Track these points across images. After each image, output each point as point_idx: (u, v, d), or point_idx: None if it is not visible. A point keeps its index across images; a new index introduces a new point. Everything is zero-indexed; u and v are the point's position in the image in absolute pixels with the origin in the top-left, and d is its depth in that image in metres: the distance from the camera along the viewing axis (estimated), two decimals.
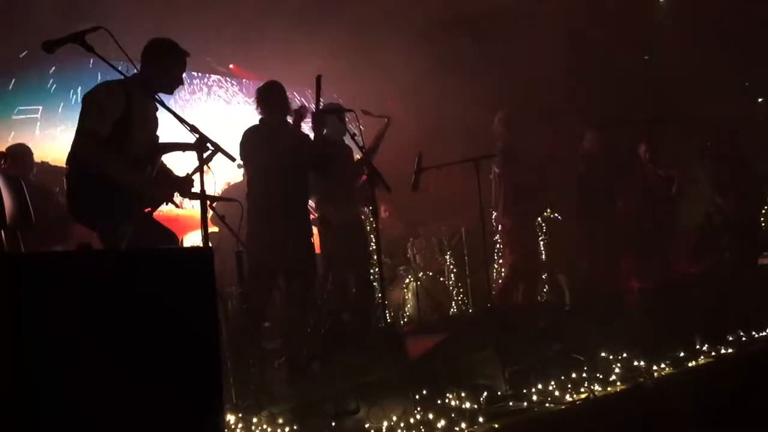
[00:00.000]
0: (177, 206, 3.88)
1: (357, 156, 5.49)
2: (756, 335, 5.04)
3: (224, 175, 7.05)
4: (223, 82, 8.77)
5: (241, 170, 7.06)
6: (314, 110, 4.66)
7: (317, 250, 5.25)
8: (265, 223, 4.46)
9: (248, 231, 4.43)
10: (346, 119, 4.99)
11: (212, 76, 8.64)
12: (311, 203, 5.44)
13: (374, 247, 5.09)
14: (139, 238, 3.46)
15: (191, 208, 7.10)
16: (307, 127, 4.97)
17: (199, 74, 8.47)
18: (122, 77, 3.49)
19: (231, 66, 8.69)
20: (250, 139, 4.62)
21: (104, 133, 3.51)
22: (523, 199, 6.09)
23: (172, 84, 3.84)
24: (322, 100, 4.70)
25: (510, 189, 6.09)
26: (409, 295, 7.27)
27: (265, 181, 4.51)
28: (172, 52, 3.81)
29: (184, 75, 3.90)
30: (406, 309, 7.30)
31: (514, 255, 6.24)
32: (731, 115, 8.04)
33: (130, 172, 3.57)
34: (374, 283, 5.41)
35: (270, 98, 4.68)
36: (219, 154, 3.40)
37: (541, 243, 7.49)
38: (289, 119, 4.78)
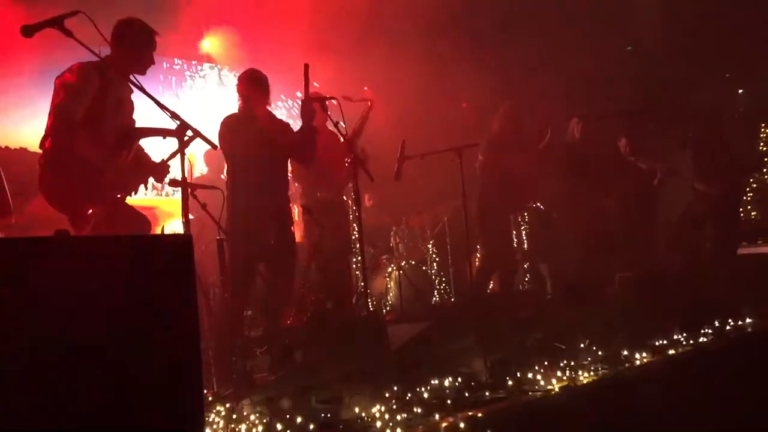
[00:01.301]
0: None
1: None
2: (733, 324, 5.10)
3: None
4: (202, 68, 8.67)
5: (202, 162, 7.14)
6: (302, 99, 4.62)
7: (298, 239, 5.25)
8: (247, 211, 4.43)
9: (229, 219, 4.40)
10: (328, 106, 4.96)
11: (195, 63, 8.55)
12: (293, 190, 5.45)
13: (357, 235, 5.09)
14: (108, 222, 3.42)
15: (172, 195, 7.10)
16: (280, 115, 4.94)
17: (182, 61, 8.39)
18: (97, 59, 3.45)
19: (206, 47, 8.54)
20: (231, 126, 4.57)
21: (76, 116, 3.47)
22: (502, 189, 6.11)
23: (144, 64, 3.80)
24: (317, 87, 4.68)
25: (490, 178, 6.11)
26: (392, 283, 7.29)
27: (246, 169, 4.47)
28: (142, 32, 3.78)
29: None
30: (389, 297, 7.32)
31: (487, 245, 6.26)
32: (713, 105, 8.10)
33: (103, 156, 3.53)
34: (356, 271, 5.41)
35: (253, 86, 4.64)
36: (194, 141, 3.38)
37: (524, 232, 7.53)
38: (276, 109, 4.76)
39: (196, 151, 7.19)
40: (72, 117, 3.46)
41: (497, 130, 6.26)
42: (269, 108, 4.75)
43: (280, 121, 4.80)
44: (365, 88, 6.06)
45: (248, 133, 4.46)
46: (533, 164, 6.38)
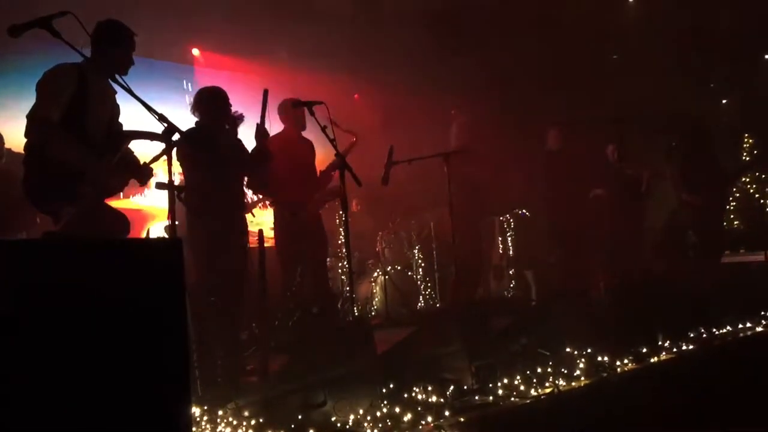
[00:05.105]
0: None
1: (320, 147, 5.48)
2: (716, 332, 5.15)
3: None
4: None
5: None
6: (258, 123, 4.59)
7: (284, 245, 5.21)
8: (199, 222, 4.39)
9: (186, 232, 4.39)
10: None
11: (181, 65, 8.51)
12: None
13: (343, 240, 5.09)
14: (84, 220, 3.40)
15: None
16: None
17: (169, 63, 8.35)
18: (79, 59, 3.46)
19: (196, 53, 8.50)
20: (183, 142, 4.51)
21: (55, 118, 3.48)
22: (471, 198, 6.13)
23: (125, 65, 3.80)
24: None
25: (458, 188, 6.12)
26: (378, 288, 7.28)
27: (199, 184, 4.41)
28: (121, 33, 3.80)
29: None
30: (374, 302, 7.31)
31: (457, 253, 6.27)
32: (697, 114, 8.19)
33: (83, 157, 3.52)
34: (342, 276, 5.40)
35: (210, 103, 4.61)
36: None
37: (509, 239, 7.57)
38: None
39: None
40: (45, 118, 3.46)
41: (456, 142, 6.32)
42: (234, 124, 4.68)
43: (236, 139, 4.74)
44: (356, 96, 6.07)
45: (203, 149, 4.38)
46: (510, 172, 6.43)
